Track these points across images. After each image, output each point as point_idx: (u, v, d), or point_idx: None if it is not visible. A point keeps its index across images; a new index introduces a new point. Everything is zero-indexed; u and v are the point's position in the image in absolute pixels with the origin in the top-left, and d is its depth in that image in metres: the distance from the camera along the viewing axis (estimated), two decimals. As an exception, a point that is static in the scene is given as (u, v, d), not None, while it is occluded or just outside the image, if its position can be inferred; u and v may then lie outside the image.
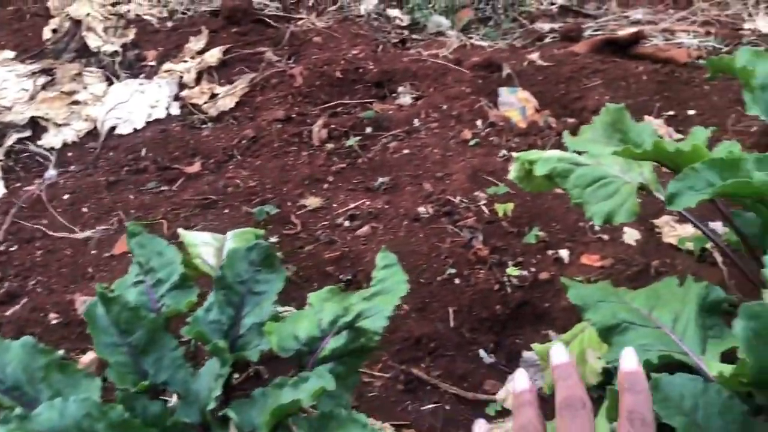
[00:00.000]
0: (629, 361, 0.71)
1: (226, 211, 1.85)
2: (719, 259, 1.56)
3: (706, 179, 0.98)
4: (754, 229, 1.18)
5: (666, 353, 1.02)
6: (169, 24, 2.77)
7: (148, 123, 2.28)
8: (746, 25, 2.58)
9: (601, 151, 1.06)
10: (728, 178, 0.97)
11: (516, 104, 2.17)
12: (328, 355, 1.04)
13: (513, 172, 1.40)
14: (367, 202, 1.80)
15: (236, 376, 1.38)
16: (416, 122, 2.12)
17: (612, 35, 2.42)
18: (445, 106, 2.16)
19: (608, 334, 1.10)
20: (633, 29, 2.54)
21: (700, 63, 2.25)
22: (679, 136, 2.03)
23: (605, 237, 1.67)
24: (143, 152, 2.12)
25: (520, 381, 0.74)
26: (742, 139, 1.95)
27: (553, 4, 2.80)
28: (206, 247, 1.31)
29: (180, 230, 1.35)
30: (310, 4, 3.05)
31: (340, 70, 2.35)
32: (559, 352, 0.74)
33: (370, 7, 2.93)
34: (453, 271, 1.57)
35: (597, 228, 1.70)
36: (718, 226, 1.56)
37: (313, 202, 1.82)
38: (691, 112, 2.12)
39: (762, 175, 0.92)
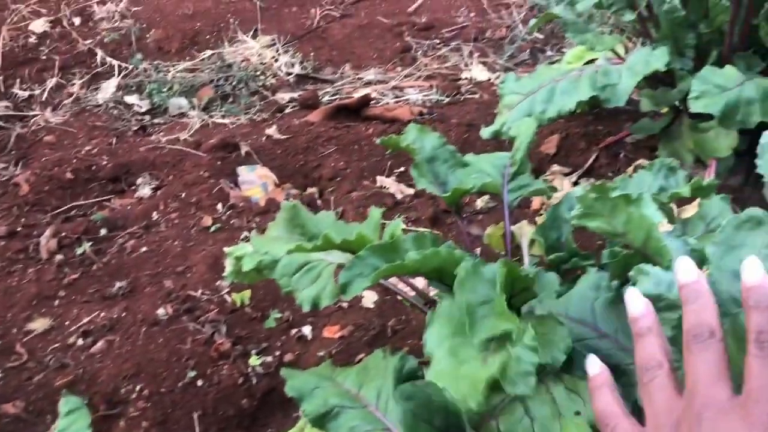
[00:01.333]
0: (753, 273, 0.61)
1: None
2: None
3: (372, 264, 1.04)
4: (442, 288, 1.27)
5: (369, 434, 1.07)
6: None
7: None
8: (463, 75, 2.83)
9: (280, 250, 1.09)
10: (390, 261, 1.04)
11: (256, 182, 2.19)
12: None
13: (227, 267, 1.40)
14: (103, 313, 1.71)
15: None
16: (155, 215, 2.07)
17: (342, 101, 2.54)
18: (184, 194, 2.13)
19: (322, 421, 1.12)
20: (362, 93, 2.69)
21: (424, 118, 2.44)
22: (410, 191, 2.17)
23: (345, 305, 1.72)
24: None
25: (591, 365, 0.72)
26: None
27: (290, 74, 2.88)
28: None
29: None
30: (44, 99, 2.89)
31: (71, 170, 2.24)
32: (687, 267, 0.66)
33: (108, 96, 2.83)
34: (194, 373, 1.54)
35: (336, 298, 1.75)
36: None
37: (41, 324, 1.70)
38: (420, 165, 2.27)
39: (413, 254, 1.00)
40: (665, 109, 2.10)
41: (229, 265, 1.39)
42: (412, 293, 1.39)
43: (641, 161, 2.07)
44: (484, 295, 0.94)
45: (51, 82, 2.94)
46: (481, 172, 1.38)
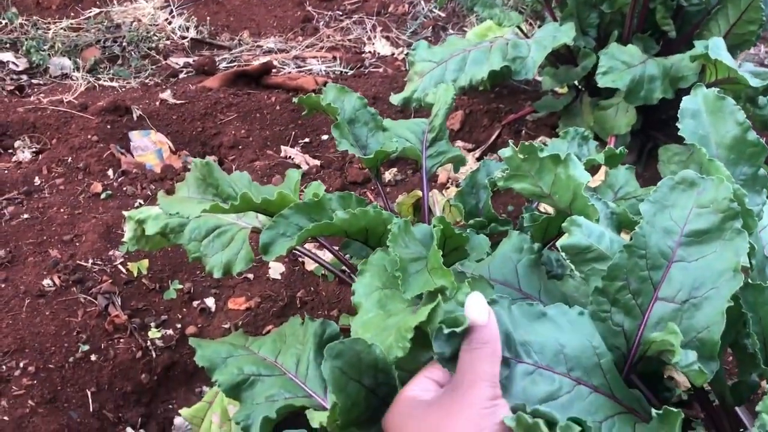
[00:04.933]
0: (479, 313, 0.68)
1: None
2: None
3: (296, 224, 0.99)
4: (362, 254, 1.24)
5: (289, 402, 1.02)
6: None
7: None
8: (367, 48, 2.79)
9: (194, 210, 1.02)
10: (316, 220, 0.99)
11: (151, 147, 2.06)
12: None
13: (127, 233, 1.30)
14: (-22, 285, 1.55)
15: None
16: (38, 180, 1.89)
17: (242, 68, 2.44)
18: (70, 159, 1.96)
19: (236, 391, 1.06)
20: (263, 60, 2.59)
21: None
22: (316, 162, 2.12)
23: (251, 276, 1.65)
24: None
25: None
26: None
27: (184, 38, 2.73)
28: None
29: None
30: None
31: (-66, 130, 2.01)
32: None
33: (-23, 52, 2.57)
34: (87, 347, 1.42)
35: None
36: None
37: None
38: (325, 137, 2.22)
39: (342, 214, 0.95)
40: (565, 89, 2.16)
41: (129, 230, 1.29)
42: (329, 258, 1.35)
43: (542, 138, 2.12)
44: (416, 252, 0.91)
45: None
46: (400, 137, 1.35)
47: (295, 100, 1.33)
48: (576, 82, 2.08)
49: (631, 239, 0.83)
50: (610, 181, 1.37)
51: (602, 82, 1.60)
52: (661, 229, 0.82)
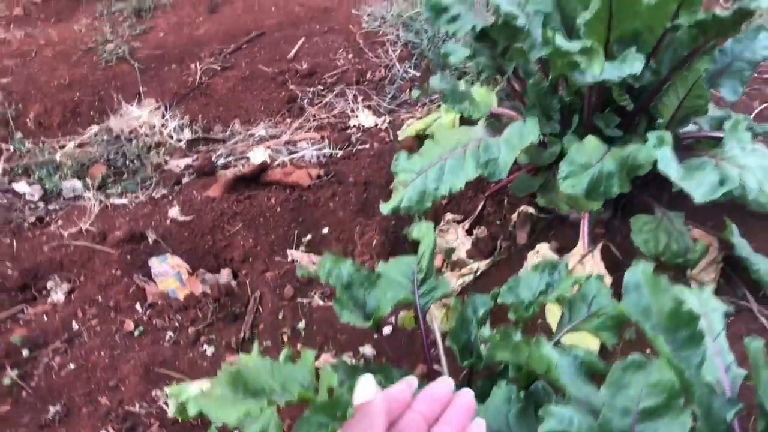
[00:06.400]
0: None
1: None
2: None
3: (318, 422, 1.18)
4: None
5: None
6: None
7: None
8: (351, 122, 2.96)
9: (229, 416, 1.21)
10: (335, 417, 1.19)
11: (170, 272, 2.25)
12: None
13: (171, 406, 1.50)
14: (43, 445, 1.76)
15: None
16: (75, 325, 2.10)
17: (241, 172, 2.61)
18: (100, 297, 2.16)
19: None
20: (256, 152, 2.77)
21: (322, 181, 2.56)
22: (319, 257, 2.30)
23: None
24: None
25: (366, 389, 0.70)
26: (367, 250, 2.28)
27: (180, 140, 2.91)
28: None
29: None
30: None
31: (-26, 286, 2.21)
32: (363, 388, 0.71)
33: (-7, 185, 2.77)
34: (149, 497, 1.63)
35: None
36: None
37: (-17, 469, 1.72)
38: (325, 230, 2.40)
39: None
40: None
41: (172, 404, 1.49)
42: None
43: (523, 207, 2.29)
44: None
45: (-73, 175, 2.82)
46: (393, 283, 1.54)
47: (298, 273, 1.51)
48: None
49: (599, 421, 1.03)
50: (583, 293, 1.55)
51: (564, 188, 1.77)
52: (620, 409, 1.01)
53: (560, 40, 1.67)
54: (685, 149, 2.02)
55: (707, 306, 1.37)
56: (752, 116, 2.78)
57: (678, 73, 1.98)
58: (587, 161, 1.81)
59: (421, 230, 1.63)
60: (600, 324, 1.51)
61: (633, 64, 1.69)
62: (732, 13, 1.79)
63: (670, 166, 1.60)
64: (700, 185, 1.59)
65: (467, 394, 0.82)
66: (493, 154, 1.96)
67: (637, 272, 1.18)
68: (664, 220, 2.01)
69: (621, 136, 2.08)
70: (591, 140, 1.91)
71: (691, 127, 2.15)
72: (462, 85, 2.23)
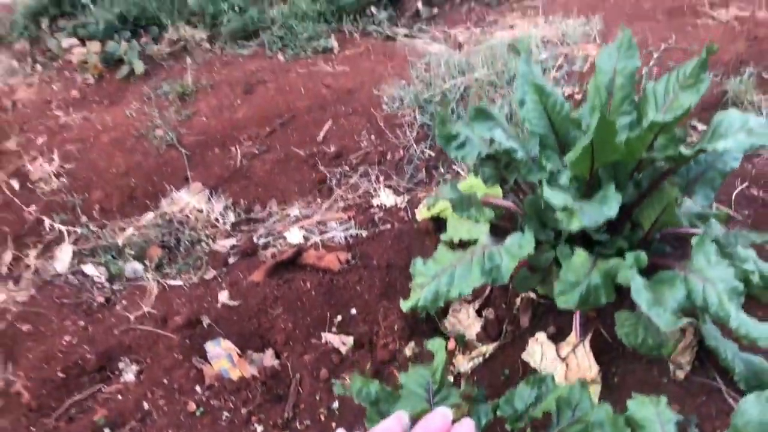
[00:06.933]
0: None
1: None
2: None
3: None
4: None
5: None
6: None
7: None
8: (374, 201, 3.33)
9: None
10: None
11: (223, 354, 2.64)
12: None
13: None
14: None
15: None
16: (146, 405, 2.49)
17: (279, 258, 3.00)
18: (166, 380, 2.56)
19: None
20: (292, 230, 3.15)
21: (351, 265, 2.93)
22: (350, 339, 2.68)
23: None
24: None
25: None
26: (390, 332, 2.65)
27: (225, 222, 3.30)
28: None
29: None
30: (3, 272, 3.20)
31: (60, 369, 2.62)
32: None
33: (66, 266, 3.18)
34: None
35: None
36: None
37: None
38: (353, 311, 2.78)
39: None
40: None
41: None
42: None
43: (525, 294, 2.65)
44: None
45: (7, 256, 3.25)
46: (412, 395, 1.91)
47: (336, 392, 1.89)
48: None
49: None
50: (569, 399, 1.90)
51: (559, 303, 2.12)
52: None
53: (547, 192, 2.02)
54: (660, 257, 2.36)
55: (663, 417, 1.73)
56: (734, 195, 3.12)
57: (655, 190, 2.33)
58: (576, 279, 2.16)
59: (434, 345, 1.99)
60: (582, 429, 1.86)
61: (611, 206, 2.03)
62: (694, 152, 2.13)
63: (641, 295, 1.94)
64: (665, 311, 1.93)
65: (468, 424, 0.78)
66: (496, 261, 2.32)
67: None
68: (644, 316, 2.36)
69: (608, 240, 2.42)
70: (579, 255, 2.26)
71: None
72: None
